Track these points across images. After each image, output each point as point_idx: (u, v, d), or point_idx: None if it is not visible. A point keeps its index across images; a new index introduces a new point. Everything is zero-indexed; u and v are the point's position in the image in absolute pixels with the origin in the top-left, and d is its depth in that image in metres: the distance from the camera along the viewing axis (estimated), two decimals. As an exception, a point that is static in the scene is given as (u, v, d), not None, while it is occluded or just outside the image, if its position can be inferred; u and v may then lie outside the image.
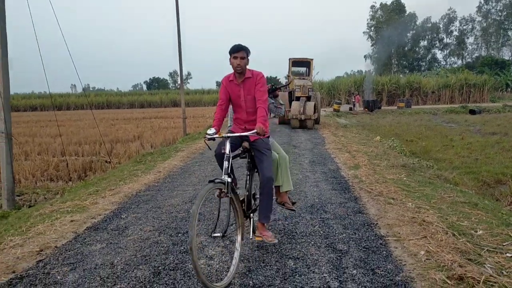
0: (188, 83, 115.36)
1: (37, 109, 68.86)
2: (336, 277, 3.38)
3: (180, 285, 3.31)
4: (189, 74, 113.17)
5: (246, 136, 3.75)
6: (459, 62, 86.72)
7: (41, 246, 4.31)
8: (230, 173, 3.52)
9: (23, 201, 9.11)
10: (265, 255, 3.90)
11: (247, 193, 3.95)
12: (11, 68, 7.94)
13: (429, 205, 5.49)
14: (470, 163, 12.98)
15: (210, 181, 3.28)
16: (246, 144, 3.89)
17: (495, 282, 3.21)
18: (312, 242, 4.20)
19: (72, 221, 5.18)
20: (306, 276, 3.41)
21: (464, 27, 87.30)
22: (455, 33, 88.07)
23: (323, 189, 6.64)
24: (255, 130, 3.56)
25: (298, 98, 19.33)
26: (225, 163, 3.50)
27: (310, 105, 18.78)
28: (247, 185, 3.99)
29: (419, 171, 8.70)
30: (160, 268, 3.66)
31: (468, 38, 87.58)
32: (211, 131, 3.57)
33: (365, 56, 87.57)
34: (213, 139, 3.56)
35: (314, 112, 18.73)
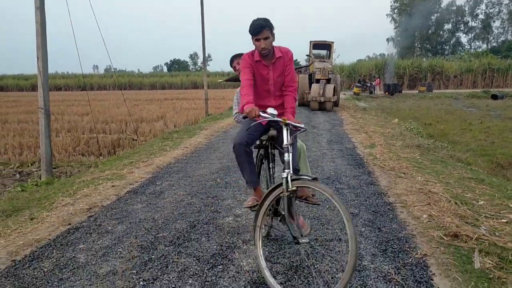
0: (208, 65, 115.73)
1: (61, 89, 70.29)
2: (346, 233, 3.91)
3: (213, 235, 3.90)
4: (209, 56, 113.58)
5: (276, 121, 3.08)
6: (484, 46, 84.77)
7: (90, 205, 4.95)
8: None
9: (59, 173, 9.82)
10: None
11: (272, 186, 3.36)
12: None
13: (437, 179, 5.95)
14: (486, 146, 13.22)
15: (279, 185, 2.91)
16: (273, 132, 3.32)
17: (486, 240, 3.69)
18: (327, 207, 4.73)
19: (113, 186, 5.82)
20: (320, 231, 3.96)
21: (491, 10, 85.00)
22: (481, 16, 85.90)
23: (339, 164, 7.14)
24: (303, 126, 3.06)
25: (318, 81, 19.66)
26: (286, 155, 2.92)
27: (330, 87, 19.10)
28: (269, 181, 3.50)
29: (433, 151, 9.08)
30: (195, 222, 4.26)
31: (494, 21, 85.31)
32: (274, 111, 3.03)
33: (387, 39, 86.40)
34: (258, 121, 3.04)
35: (334, 95, 19.06)
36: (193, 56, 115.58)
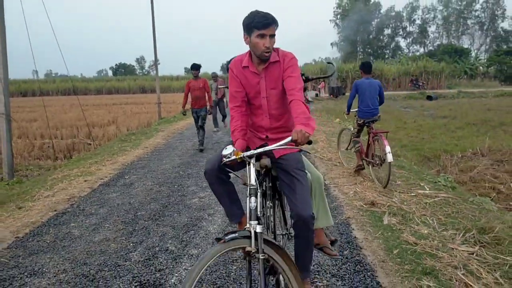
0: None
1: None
2: (290, 206, 4.91)
3: (183, 212, 4.78)
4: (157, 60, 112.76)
5: (270, 150, 2.31)
6: (422, 50, 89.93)
7: (69, 195, 5.65)
8: (260, 216, 2.26)
9: (20, 176, 10.22)
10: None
11: (272, 235, 2.69)
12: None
13: (366, 167, 7.09)
14: (417, 142, 14.77)
15: (219, 239, 2.04)
16: (266, 161, 2.50)
17: (395, 207, 4.82)
18: (275, 189, 5.72)
19: (85, 181, 6.52)
20: (269, 206, 4.93)
21: (427, 15, 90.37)
22: (418, 21, 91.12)
23: (285, 157, 8.18)
24: (289, 138, 2.19)
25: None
26: (252, 200, 2.19)
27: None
28: (272, 224, 2.70)
29: (367, 145, 10.35)
30: (166, 204, 5.12)
31: (430, 26, 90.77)
32: (228, 149, 2.29)
33: (331, 44, 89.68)
34: (235, 161, 2.28)
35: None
36: (140, 60, 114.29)
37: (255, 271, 2.48)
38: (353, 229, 4.16)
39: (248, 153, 2.25)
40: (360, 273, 3.22)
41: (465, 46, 78.25)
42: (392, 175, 6.57)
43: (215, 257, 1.96)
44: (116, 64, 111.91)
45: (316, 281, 3.11)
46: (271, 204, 2.69)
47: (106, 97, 56.64)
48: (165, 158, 8.36)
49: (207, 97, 9.24)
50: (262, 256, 2.05)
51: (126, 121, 20.86)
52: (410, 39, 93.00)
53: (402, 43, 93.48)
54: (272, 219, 2.68)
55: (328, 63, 20.18)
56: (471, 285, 3.03)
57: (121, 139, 12.08)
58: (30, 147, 14.16)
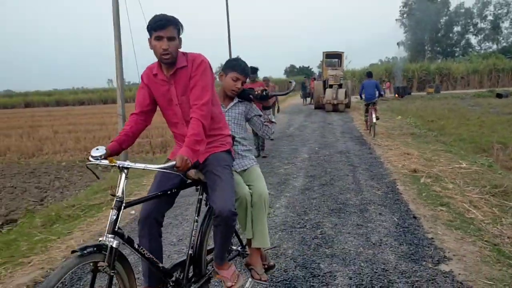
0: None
1: (84, 103, 72.12)
2: (351, 173, 6.73)
3: (275, 176, 6.72)
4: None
5: (150, 170, 2.23)
6: (494, 46, 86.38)
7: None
8: (120, 230, 2.08)
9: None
10: (315, 167, 7.24)
11: (192, 252, 2.55)
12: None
13: (417, 150, 8.66)
14: (476, 136, 15.68)
15: (75, 251, 1.90)
16: (191, 172, 2.44)
17: (433, 173, 6.43)
18: (341, 163, 7.55)
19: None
20: (337, 173, 6.78)
21: (499, 11, 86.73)
22: (490, 17, 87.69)
23: (349, 144, 9.94)
24: (173, 162, 2.08)
25: (331, 86, 22.50)
26: (113, 213, 2.04)
27: (342, 91, 21.95)
28: (194, 239, 2.56)
29: (423, 137, 11.75)
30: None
31: (503, 22, 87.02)
32: (98, 150, 2.19)
33: (398, 43, 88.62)
34: (98, 166, 2.21)
35: (345, 98, 21.89)
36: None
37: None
38: (397, 184, 5.89)
39: (125, 163, 2.12)
40: (397, 204, 4.98)
41: (543, 41, 74.27)
42: (438, 156, 8.13)
43: (70, 271, 1.86)
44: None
45: (367, 207, 4.88)
46: (197, 218, 2.57)
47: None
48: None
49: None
50: (112, 272, 2.00)
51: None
52: (482, 36, 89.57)
53: (473, 40, 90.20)
54: (194, 233, 2.55)
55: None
56: (471, 211, 4.67)
57: (209, 135, 14.31)
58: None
